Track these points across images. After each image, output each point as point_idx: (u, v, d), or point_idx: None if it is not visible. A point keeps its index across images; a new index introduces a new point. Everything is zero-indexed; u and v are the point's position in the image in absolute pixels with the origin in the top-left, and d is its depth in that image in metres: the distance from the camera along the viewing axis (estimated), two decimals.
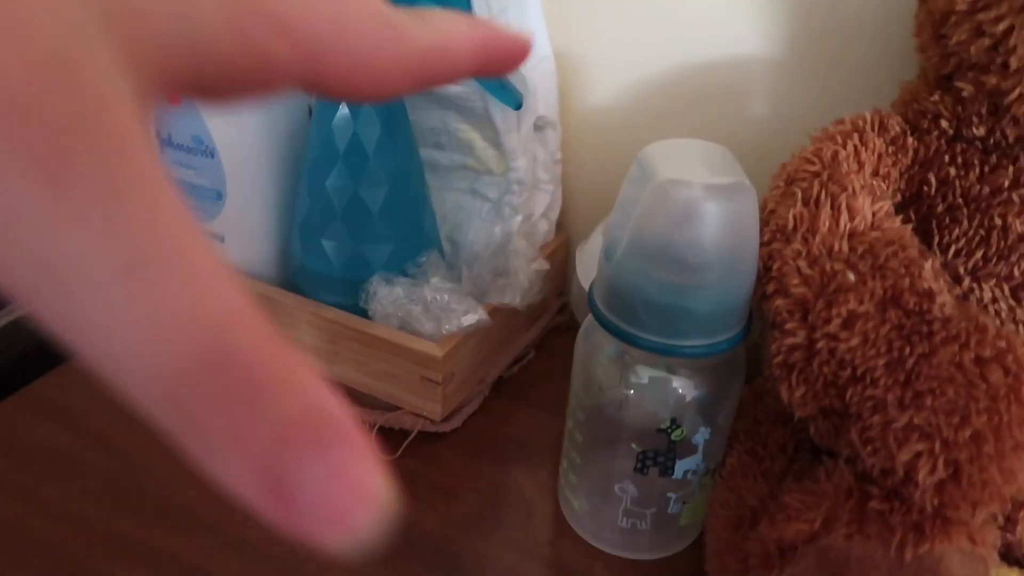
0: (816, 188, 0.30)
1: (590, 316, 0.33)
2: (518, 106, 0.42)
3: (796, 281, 0.28)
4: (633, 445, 0.32)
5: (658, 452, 0.32)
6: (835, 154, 0.31)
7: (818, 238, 0.29)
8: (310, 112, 0.45)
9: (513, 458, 0.42)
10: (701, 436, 0.32)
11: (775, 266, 0.30)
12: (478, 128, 0.45)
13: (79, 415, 0.42)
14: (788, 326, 0.28)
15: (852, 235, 0.29)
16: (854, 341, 0.26)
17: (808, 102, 0.43)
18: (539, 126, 0.47)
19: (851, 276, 0.27)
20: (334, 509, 0.09)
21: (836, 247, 0.28)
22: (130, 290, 0.09)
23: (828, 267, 0.28)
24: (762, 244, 0.31)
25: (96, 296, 0.09)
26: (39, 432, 0.42)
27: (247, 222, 0.45)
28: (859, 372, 0.26)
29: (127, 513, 0.37)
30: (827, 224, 0.29)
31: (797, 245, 0.29)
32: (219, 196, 0.44)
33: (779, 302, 0.29)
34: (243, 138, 0.44)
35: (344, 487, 0.09)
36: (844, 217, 0.29)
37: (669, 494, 0.34)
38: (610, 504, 0.35)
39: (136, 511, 0.37)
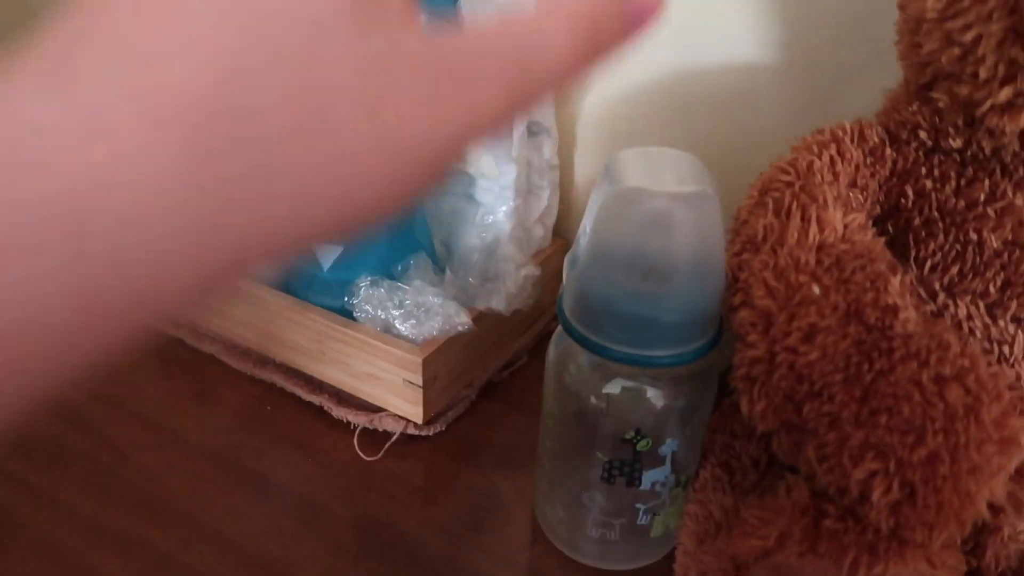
0: (788, 199, 0.29)
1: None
2: None
3: (761, 293, 0.28)
4: (599, 454, 0.32)
5: (623, 462, 0.32)
6: (810, 164, 0.30)
7: (786, 249, 0.28)
8: None
9: (496, 463, 0.42)
10: (669, 447, 0.32)
11: (743, 277, 0.29)
12: None
13: (73, 405, 0.43)
14: (750, 338, 0.28)
15: (820, 247, 0.28)
16: (813, 355, 0.26)
17: (803, 109, 0.42)
18: (533, 131, 0.47)
19: (816, 289, 0.27)
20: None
21: (803, 259, 0.28)
22: None
23: (794, 279, 0.27)
24: (733, 254, 0.30)
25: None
26: (34, 422, 0.43)
27: None
28: (817, 387, 0.25)
29: (112, 501, 0.38)
30: (795, 236, 0.28)
31: (765, 256, 0.29)
32: None
33: (743, 313, 0.28)
34: None
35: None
36: (813, 229, 0.28)
37: (637, 505, 0.33)
38: (580, 513, 0.35)
39: (120, 500, 0.38)
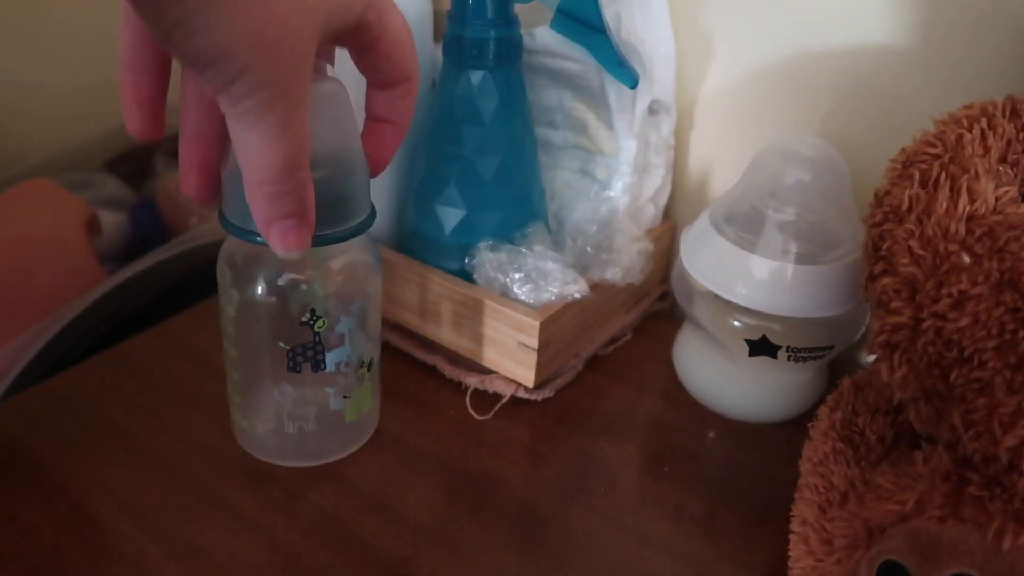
0: (936, 170, 0.29)
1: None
2: (634, 84, 0.42)
3: (906, 260, 0.28)
4: (281, 344, 0.34)
5: (306, 346, 0.33)
6: (959, 137, 0.30)
7: (933, 219, 0.28)
8: (433, 85, 0.47)
9: (601, 431, 0.42)
10: (344, 326, 0.34)
11: (885, 246, 0.29)
12: (593, 108, 0.46)
13: (202, 351, 0.46)
14: (893, 305, 0.27)
15: (971, 218, 0.28)
16: (963, 322, 0.25)
17: (933, 95, 0.42)
18: (654, 109, 0.47)
19: (966, 258, 0.27)
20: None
21: (952, 229, 0.27)
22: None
23: (942, 248, 0.27)
24: (873, 224, 0.30)
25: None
26: (168, 363, 0.45)
27: None
28: (966, 353, 0.25)
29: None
30: (944, 206, 0.28)
31: (910, 225, 0.28)
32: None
33: (886, 281, 0.28)
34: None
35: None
36: (964, 199, 0.28)
37: (327, 389, 0.35)
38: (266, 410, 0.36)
39: None
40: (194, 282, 0.50)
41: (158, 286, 0.52)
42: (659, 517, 0.37)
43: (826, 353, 0.41)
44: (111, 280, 0.52)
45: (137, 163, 0.71)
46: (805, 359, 0.40)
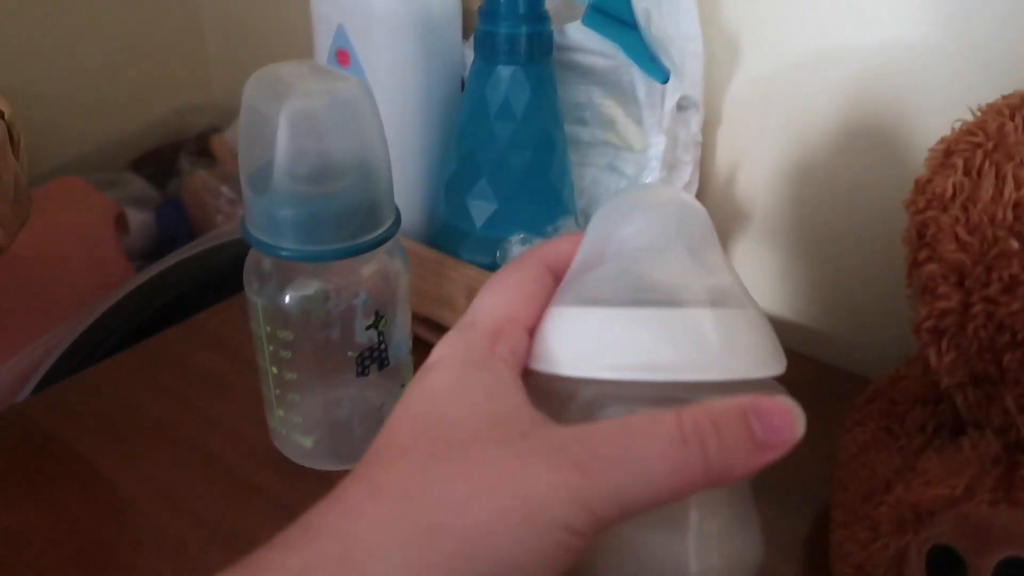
0: (979, 158, 0.29)
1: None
2: (665, 80, 0.42)
3: (952, 247, 0.28)
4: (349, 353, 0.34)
5: (372, 348, 0.34)
6: (1001, 126, 0.30)
7: (979, 206, 0.28)
8: (462, 84, 0.47)
9: None
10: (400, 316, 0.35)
11: (929, 233, 0.29)
12: (622, 104, 0.46)
13: (233, 344, 0.46)
14: (940, 290, 0.28)
15: (1017, 204, 0.28)
16: (1015, 306, 0.26)
17: (960, 90, 0.42)
18: (683, 106, 0.48)
19: (1014, 243, 0.27)
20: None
21: (999, 215, 0.28)
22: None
23: (990, 234, 0.27)
24: (916, 212, 0.30)
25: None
26: (199, 356, 0.46)
27: (399, 182, 0.48)
28: (1020, 337, 0.25)
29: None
30: (990, 193, 0.28)
31: (956, 212, 0.28)
32: None
33: (932, 267, 0.28)
34: (401, 104, 0.47)
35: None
36: (1010, 187, 0.28)
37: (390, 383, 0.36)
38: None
39: None
40: (222, 277, 0.51)
41: (187, 282, 0.53)
42: None
43: None
44: (141, 275, 0.52)
45: (162, 163, 0.72)
46: None
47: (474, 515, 0.18)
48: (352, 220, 0.30)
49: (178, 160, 0.71)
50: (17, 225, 0.34)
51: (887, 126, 0.45)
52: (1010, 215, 0.27)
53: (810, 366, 0.48)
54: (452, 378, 0.22)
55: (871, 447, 0.33)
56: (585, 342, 0.22)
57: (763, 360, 0.22)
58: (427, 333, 0.47)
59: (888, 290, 0.47)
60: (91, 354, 0.48)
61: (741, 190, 0.52)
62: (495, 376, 0.22)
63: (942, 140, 0.32)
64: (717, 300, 0.22)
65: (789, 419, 0.19)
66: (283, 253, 0.30)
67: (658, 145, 0.46)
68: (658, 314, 0.21)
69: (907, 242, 0.31)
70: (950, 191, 0.29)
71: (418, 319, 0.47)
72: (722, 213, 0.51)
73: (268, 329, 0.33)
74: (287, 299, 0.33)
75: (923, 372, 0.35)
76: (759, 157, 0.50)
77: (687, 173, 0.49)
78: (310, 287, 0.33)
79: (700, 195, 0.53)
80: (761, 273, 0.52)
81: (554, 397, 0.22)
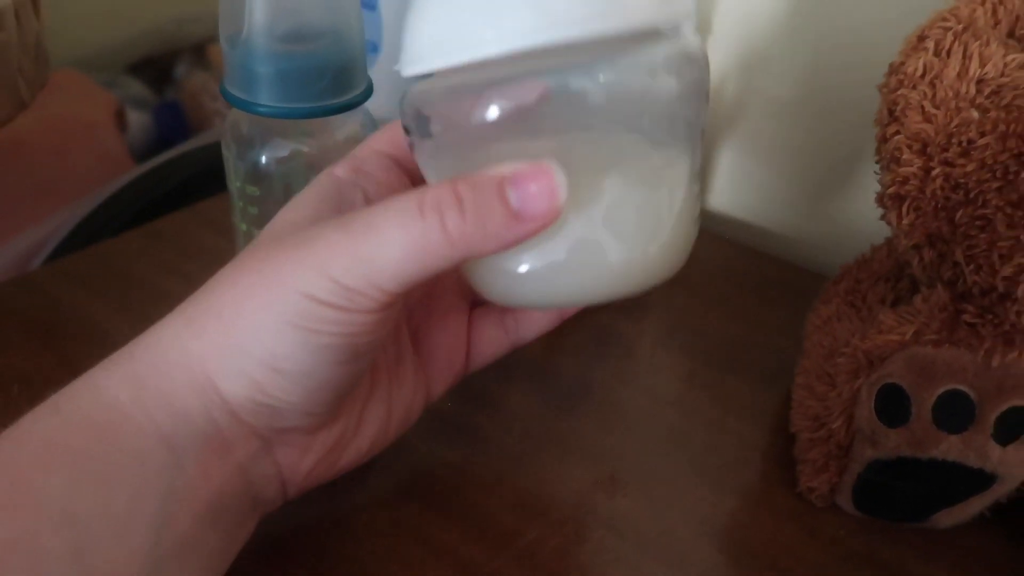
0: (949, 39, 0.31)
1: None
2: None
3: (918, 119, 0.30)
4: None
5: None
6: (972, 12, 0.32)
7: (945, 83, 0.30)
8: None
9: (617, 310, 0.45)
10: None
11: (898, 109, 0.31)
12: None
13: (233, 229, 0.48)
14: (904, 157, 0.30)
15: (981, 80, 0.30)
16: (970, 167, 0.28)
17: None
18: None
19: (975, 113, 0.29)
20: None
21: (963, 90, 0.30)
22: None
23: (953, 106, 0.29)
24: (888, 92, 0.32)
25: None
26: (200, 238, 0.47)
27: (397, 73, 0.49)
28: (972, 194, 0.28)
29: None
30: (956, 70, 0.30)
31: (924, 88, 0.30)
32: (375, 49, 0.49)
33: (897, 138, 0.30)
34: None
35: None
36: (975, 64, 0.30)
37: None
38: None
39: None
40: (221, 171, 0.52)
41: (190, 172, 0.54)
42: (671, 379, 0.40)
43: None
44: (143, 166, 0.54)
45: (159, 68, 0.72)
46: None
47: (230, 296, 0.24)
48: (324, 78, 0.31)
49: (175, 67, 0.72)
50: (39, 82, 0.35)
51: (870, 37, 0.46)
52: (973, 89, 0.29)
53: (789, 269, 0.51)
54: (292, 201, 0.27)
55: (834, 319, 0.35)
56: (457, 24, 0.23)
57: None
58: None
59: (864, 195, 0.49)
60: (96, 235, 0.49)
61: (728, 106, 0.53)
62: (315, 190, 0.26)
63: (916, 28, 0.34)
64: None
65: (547, 184, 0.20)
66: (260, 110, 0.32)
67: None
68: None
69: (878, 121, 0.33)
70: (920, 70, 0.31)
71: None
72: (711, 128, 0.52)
73: (238, 185, 0.36)
74: (263, 160, 0.35)
75: (887, 255, 0.38)
76: (748, 73, 0.52)
77: None
78: (285, 148, 0.35)
79: None
80: (746, 182, 0.54)
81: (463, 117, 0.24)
